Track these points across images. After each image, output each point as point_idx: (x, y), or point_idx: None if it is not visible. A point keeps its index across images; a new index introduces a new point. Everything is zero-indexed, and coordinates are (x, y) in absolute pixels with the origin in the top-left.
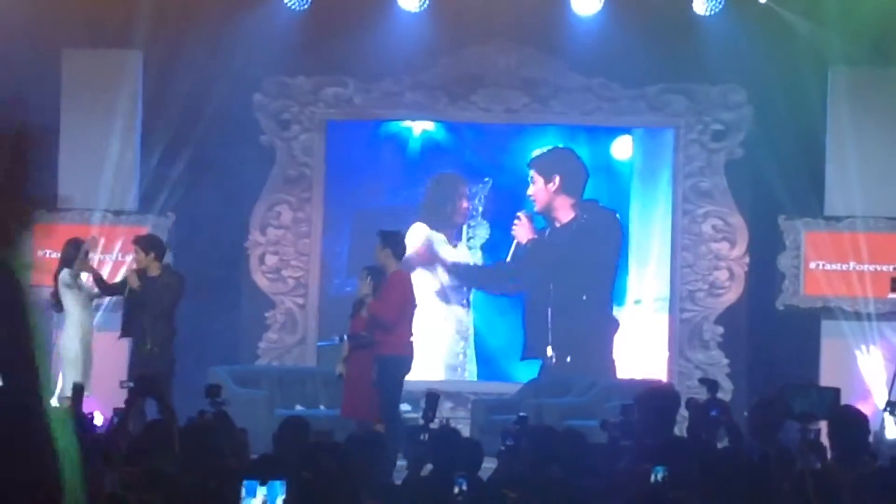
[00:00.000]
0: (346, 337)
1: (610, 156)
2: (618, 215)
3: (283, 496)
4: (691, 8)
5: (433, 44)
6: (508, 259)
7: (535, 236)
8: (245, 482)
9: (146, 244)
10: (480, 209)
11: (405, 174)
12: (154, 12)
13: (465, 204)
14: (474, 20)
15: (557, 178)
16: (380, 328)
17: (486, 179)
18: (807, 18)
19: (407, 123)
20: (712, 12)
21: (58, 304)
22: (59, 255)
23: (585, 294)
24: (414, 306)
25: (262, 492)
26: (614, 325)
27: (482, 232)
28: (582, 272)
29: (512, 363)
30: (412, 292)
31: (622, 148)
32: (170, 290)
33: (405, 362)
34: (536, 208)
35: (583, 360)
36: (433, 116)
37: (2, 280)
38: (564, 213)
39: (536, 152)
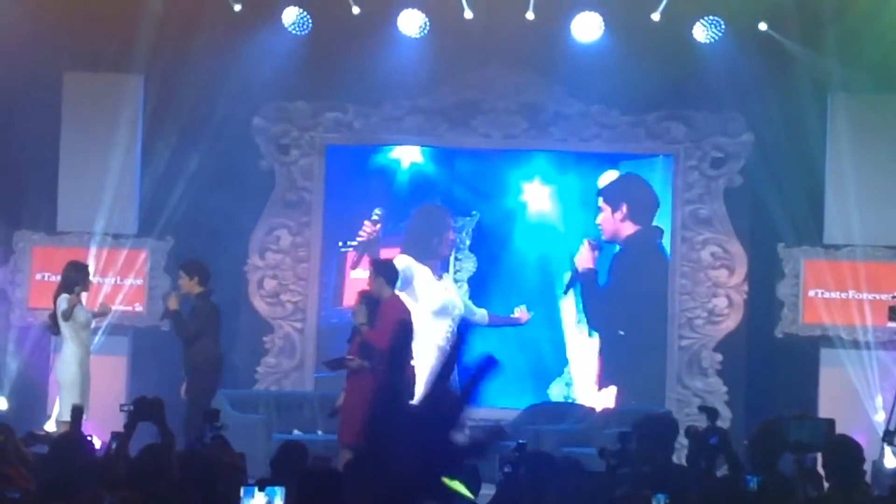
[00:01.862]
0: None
1: (598, 189)
2: (662, 242)
3: (283, 500)
4: (691, 35)
5: (433, 69)
6: (566, 285)
7: (594, 266)
8: (243, 487)
9: (190, 268)
10: (468, 242)
11: (393, 206)
12: (155, 37)
13: (451, 235)
14: (474, 46)
15: (625, 207)
16: (377, 356)
17: (474, 213)
18: (806, 46)
19: (395, 155)
20: (712, 40)
21: (55, 327)
22: (57, 278)
23: (623, 328)
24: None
25: (260, 495)
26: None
27: (469, 265)
28: (626, 301)
29: (496, 392)
30: (408, 318)
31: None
32: (195, 316)
33: None
34: (605, 237)
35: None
36: (433, 142)
37: None
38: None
39: (604, 180)
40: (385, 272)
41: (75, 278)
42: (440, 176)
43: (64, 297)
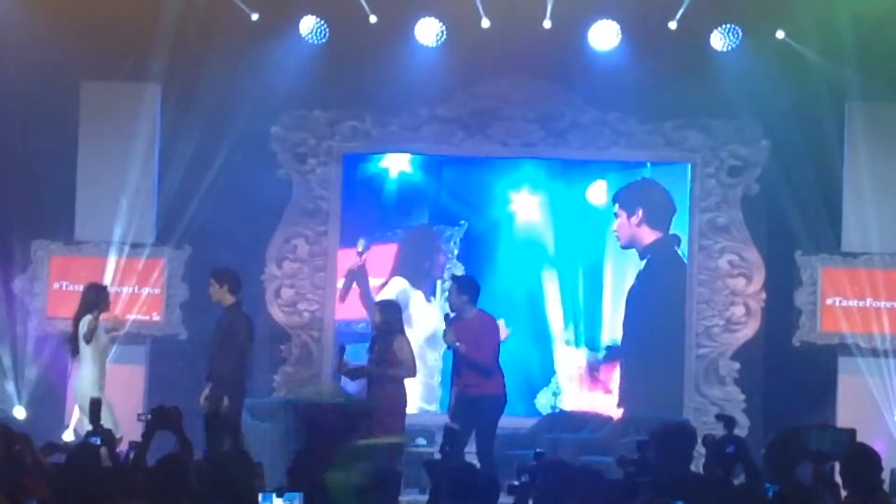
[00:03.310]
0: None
1: (585, 200)
2: (682, 253)
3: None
4: (708, 43)
5: (450, 78)
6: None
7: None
8: (261, 494)
9: (220, 276)
10: (456, 252)
11: (381, 216)
12: (172, 46)
13: (442, 258)
14: (491, 54)
15: (641, 211)
16: (480, 373)
17: (462, 222)
18: (824, 54)
19: (384, 164)
20: (729, 48)
21: (74, 349)
22: (75, 287)
23: (649, 336)
24: (500, 345)
25: (278, 501)
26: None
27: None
28: (648, 311)
29: None
30: (499, 332)
31: (597, 193)
32: (235, 332)
33: (500, 401)
34: (621, 244)
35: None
36: (449, 150)
37: None
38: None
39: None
40: (468, 290)
41: (95, 301)
42: (428, 186)
43: (86, 319)
